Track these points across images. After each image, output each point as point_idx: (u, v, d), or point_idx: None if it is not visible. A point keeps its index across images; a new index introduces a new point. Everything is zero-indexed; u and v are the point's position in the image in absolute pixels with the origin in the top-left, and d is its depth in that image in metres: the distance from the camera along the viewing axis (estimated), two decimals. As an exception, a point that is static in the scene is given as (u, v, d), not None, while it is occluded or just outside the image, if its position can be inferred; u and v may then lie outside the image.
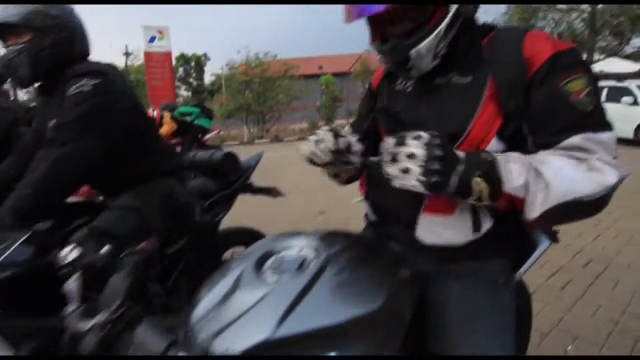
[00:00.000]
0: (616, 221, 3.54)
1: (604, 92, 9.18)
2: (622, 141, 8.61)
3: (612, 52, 18.35)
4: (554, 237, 0.95)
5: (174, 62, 19.45)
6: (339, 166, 0.88)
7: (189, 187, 1.62)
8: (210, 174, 1.69)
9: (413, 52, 0.72)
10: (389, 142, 0.65)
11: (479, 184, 0.64)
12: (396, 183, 0.64)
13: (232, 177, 1.71)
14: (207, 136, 6.92)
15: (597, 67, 13.86)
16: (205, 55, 32.20)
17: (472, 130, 0.73)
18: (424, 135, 0.63)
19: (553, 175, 0.63)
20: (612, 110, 8.64)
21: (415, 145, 0.62)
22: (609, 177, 0.63)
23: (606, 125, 0.68)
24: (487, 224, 0.76)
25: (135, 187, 1.37)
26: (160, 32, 14.12)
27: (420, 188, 0.63)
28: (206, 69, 32.20)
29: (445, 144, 0.63)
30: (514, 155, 0.67)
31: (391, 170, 0.64)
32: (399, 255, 0.78)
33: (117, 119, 1.26)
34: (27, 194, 1.09)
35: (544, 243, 0.97)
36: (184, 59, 31.29)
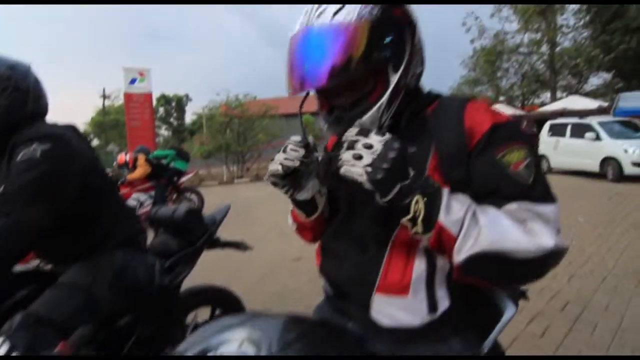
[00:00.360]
0: (589, 258, 3.59)
1: (568, 129, 9.71)
2: (588, 174, 9.03)
3: (573, 90, 19.67)
4: (518, 301, 0.91)
5: (154, 102, 19.58)
6: (304, 182, 0.82)
7: (149, 249, 1.54)
8: (172, 231, 1.61)
9: (357, 124, 0.72)
10: (352, 131, 0.65)
11: (417, 202, 0.62)
12: (344, 169, 0.63)
13: (197, 234, 1.64)
14: (183, 179, 6.83)
15: (560, 104, 14.75)
16: (187, 96, 32.65)
17: None
18: (388, 134, 0.63)
19: (488, 221, 0.61)
20: (578, 145, 9.18)
21: (376, 139, 0.62)
22: (546, 240, 0.61)
23: (548, 198, 0.66)
24: (444, 304, 0.72)
25: (87, 258, 1.27)
26: (142, 74, 14.28)
27: (363, 179, 0.61)
28: (187, 108, 32.52)
29: (403, 154, 0.63)
30: (459, 195, 0.65)
31: (345, 155, 0.63)
32: (357, 341, 0.72)
33: (69, 185, 1.19)
34: None
35: (509, 309, 0.93)
36: (165, 99, 31.56)
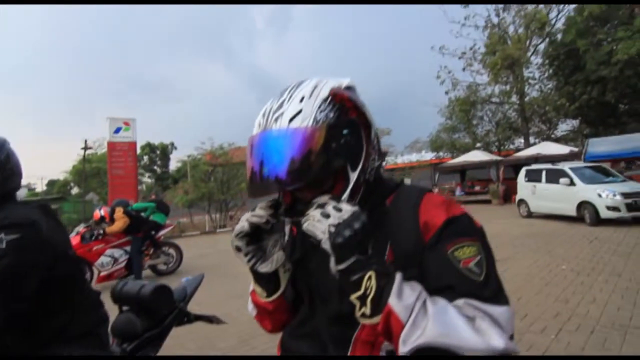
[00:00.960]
0: (574, 310, 3.55)
1: (543, 174, 10.07)
2: (566, 218, 9.24)
3: (544, 136, 20.71)
4: None
5: (139, 151, 19.54)
6: (269, 251, 0.78)
7: (111, 329, 1.42)
8: (137, 309, 1.51)
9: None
10: (324, 196, 0.67)
11: (370, 279, 0.62)
12: (309, 223, 0.64)
13: (165, 312, 1.54)
14: (161, 233, 6.64)
15: (534, 150, 15.43)
16: (172, 144, 32.82)
17: None
18: (357, 208, 0.65)
19: (437, 312, 0.59)
20: (554, 190, 9.48)
21: (346, 206, 0.64)
22: (495, 341, 0.58)
23: (500, 300, 0.64)
24: None
25: (39, 354, 1.15)
26: (127, 124, 14.39)
27: (324, 237, 0.62)
28: (172, 156, 32.58)
29: (367, 231, 0.63)
30: (414, 282, 0.64)
31: (313, 212, 0.65)
32: None
33: (30, 280, 1.11)
34: None
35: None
36: (150, 147, 31.61)
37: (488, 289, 0.64)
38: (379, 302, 0.61)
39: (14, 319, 1.09)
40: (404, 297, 0.60)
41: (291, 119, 0.70)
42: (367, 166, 0.75)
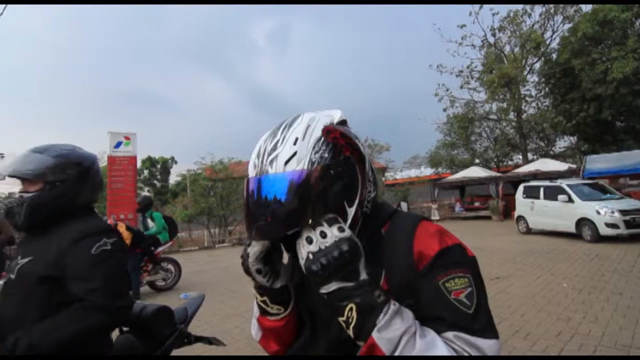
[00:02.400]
0: (576, 330, 3.52)
1: (541, 191, 10.10)
2: (565, 235, 9.24)
3: (542, 153, 20.84)
4: None
5: (139, 164, 19.63)
6: (278, 266, 0.79)
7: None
8: (137, 331, 1.50)
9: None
10: (326, 215, 0.67)
11: (351, 310, 0.63)
12: (298, 243, 0.66)
13: (165, 333, 1.53)
14: (160, 249, 6.59)
15: (533, 167, 15.50)
16: (172, 158, 32.88)
17: None
18: (347, 233, 0.65)
19: (424, 348, 0.60)
20: (552, 207, 9.49)
21: (332, 233, 0.64)
22: None
23: (489, 333, 0.65)
24: None
25: None
26: (127, 138, 14.44)
27: (302, 262, 0.64)
28: (172, 171, 32.58)
29: (352, 257, 0.63)
30: (407, 312, 0.65)
31: (305, 232, 0.66)
32: None
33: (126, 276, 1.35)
34: (40, 345, 1.09)
35: None
36: (150, 161, 31.67)
37: (478, 321, 0.66)
38: (360, 332, 0.62)
39: (119, 316, 1.24)
40: (390, 329, 0.61)
41: (286, 162, 0.70)
42: (364, 199, 0.76)
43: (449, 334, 0.64)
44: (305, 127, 0.74)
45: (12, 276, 1.23)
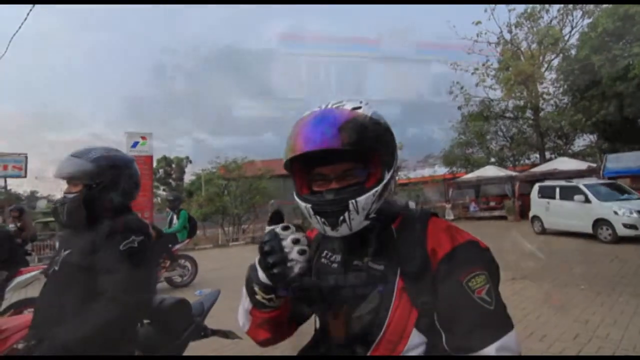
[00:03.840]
0: (595, 330, 3.45)
1: (557, 191, 9.86)
2: (582, 235, 9.01)
3: (561, 152, 20.31)
4: None
5: (155, 164, 19.98)
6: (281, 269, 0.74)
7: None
8: (156, 323, 1.56)
9: (352, 202, 0.73)
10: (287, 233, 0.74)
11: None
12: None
13: (183, 326, 1.58)
14: (177, 246, 6.72)
15: (551, 165, 15.14)
16: (187, 157, 33.43)
17: (390, 323, 0.72)
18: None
19: None
20: (569, 207, 9.25)
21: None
22: None
23: (508, 324, 0.70)
24: None
25: None
26: (144, 138, 14.75)
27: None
28: (187, 170, 33.09)
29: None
30: None
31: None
32: None
33: (152, 275, 1.45)
34: (72, 344, 1.15)
35: None
36: (165, 161, 32.28)
37: (499, 315, 0.69)
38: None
39: (136, 311, 1.32)
40: None
41: (353, 108, 0.78)
42: (395, 175, 0.81)
43: (491, 350, 0.66)
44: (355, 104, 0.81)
45: (56, 267, 1.34)
